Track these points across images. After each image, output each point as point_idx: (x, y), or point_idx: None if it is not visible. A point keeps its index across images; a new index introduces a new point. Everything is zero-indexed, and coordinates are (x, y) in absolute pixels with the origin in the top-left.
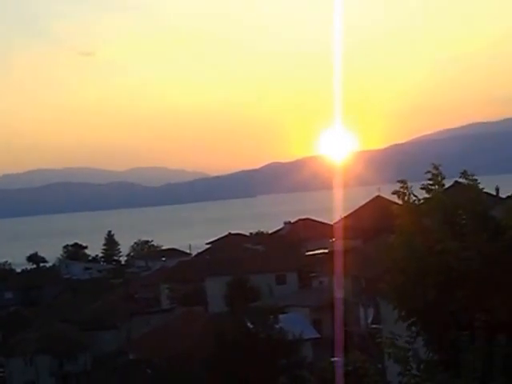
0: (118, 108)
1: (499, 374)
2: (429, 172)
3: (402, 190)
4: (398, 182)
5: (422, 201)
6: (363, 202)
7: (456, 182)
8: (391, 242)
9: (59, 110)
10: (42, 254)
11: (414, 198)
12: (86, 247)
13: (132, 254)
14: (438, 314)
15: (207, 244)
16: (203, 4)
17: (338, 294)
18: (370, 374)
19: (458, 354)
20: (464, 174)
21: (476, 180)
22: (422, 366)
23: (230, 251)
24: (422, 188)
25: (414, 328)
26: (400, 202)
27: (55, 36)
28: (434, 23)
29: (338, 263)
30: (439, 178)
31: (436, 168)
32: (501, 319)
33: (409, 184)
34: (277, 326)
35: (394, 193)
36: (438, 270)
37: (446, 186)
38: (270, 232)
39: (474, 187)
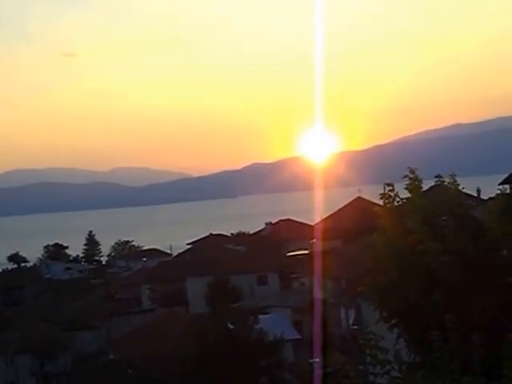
0: (101, 108)
1: (478, 376)
2: (406, 176)
3: (389, 192)
4: (386, 184)
5: (403, 202)
6: (344, 203)
7: (437, 183)
8: (373, 242)
9: (41, 111)
10: (22, 253)
11: (399, 199)
12: (66, 247)
13: (113, 254)
14: (419, 315)
15: (188, 244)
16: (187, 7)
17: (318, 294)
18: (351, 376)
19: (437, 355)
20: (438, 177)
21: (456, 182)
22: (403, 368)
23: (211, 252)
24: (406, 188)
25: (395, 329)
26: (382, 203)
27: (38, 37)
28: (419, 26)
29: (319, 264)
30: (416, 182)
31: (412, 172)
32: (480, 320)
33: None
34: (258, 327)
35: (381, 197)
36: (419, 270)
37: (428, 187)
38: (251, 233)
39: (454, 189)
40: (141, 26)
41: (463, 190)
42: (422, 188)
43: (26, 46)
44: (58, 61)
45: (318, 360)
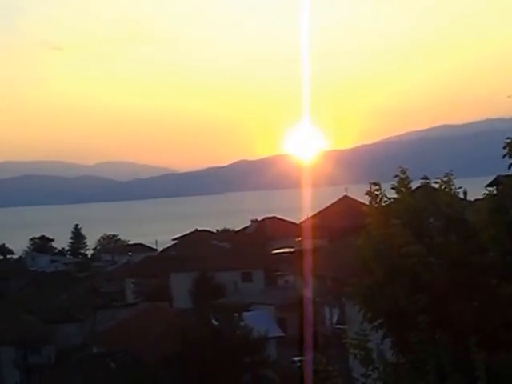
0: (88, 103)
1: (465, 378)
2: (397, 176)
3: (375, 191)
4: (372, 183)
5: (390, 202)
6: (331, 202)
7: (427, 183)
8: (359, 242)
9: (29, 104)
10: (9, 245)
11: (386, 199)
12: (52, 240)
13: (98, 247)
14: (405, 316)
15: (173, 240)
16: (171, 3)
17: (307, 293)
18: (333, 376)
19: (424, 356)
20: (425, 178)
21: (450, 182)
22: (388, 368)
23: (196, 247)
24: (392, 188)
25: (380, 330)
26: (368, 202)
27: (25, 30)
28: (408, 27)
29: (305, 262)
30: (406, 182)
31: (403, 172)
32: (467, 322)
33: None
34: (242, 324)
35: (367, 193)
36: (404, 272)
37: (413, 187)
38: (236, 230)
39: (445, 189)
40: (130, 22)
41: (454, 191)
42: (411, 188)
43: (13, 39)
44: (45, 55)
45: (306, 358)
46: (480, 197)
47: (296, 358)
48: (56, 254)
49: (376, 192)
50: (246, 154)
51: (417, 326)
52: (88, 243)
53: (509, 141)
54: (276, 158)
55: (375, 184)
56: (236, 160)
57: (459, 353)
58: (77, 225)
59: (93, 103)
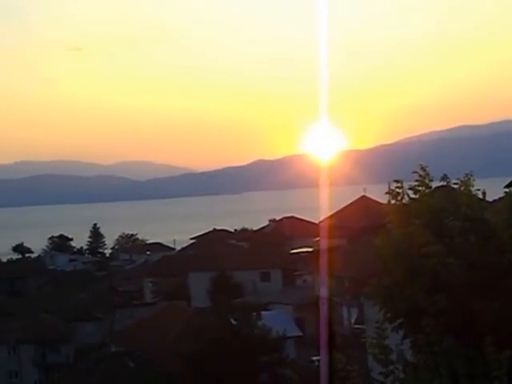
0: (107, 102)
1: (485, 379)
2: (415, 172)
3: (397, 190)
4: (394, 181)
5: (411, 201)
6: (348, 202)
7: (447, 183)
8: (379, 241)
9: (48, 104)
10: (27, 244)
11: (407, 198)
12: (71, 239)
13: (116, 247)
14: (425, 317)
15: (192, 239)
16: (197, 4)
17: (325, 293)
18: (352, 376)
19: (443, 357)
20: (444, 178)
21: (469, 182)
22: (407, 368)
23: (214, 247)
24: (410, 188)
25: (400, 331)
26: (386, 202)
27: (42, 32)
28: (427, 26)
29: (323, 262)
30: (426, 180)
31: (423, 169)
32: (487, 323)
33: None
34: (260, 323)
35: (388, 192)
36: (424, 272)
37: (433, 187)
38: (254, 229)
39: (463, 190)
40: (149, 23)
41: (474, 192)
42: (431, 187)
43: (33, 39)
44: (63, 55)
45: (324, 358)
46: (499, 197)
47: (314, 358)
48: (75, 252)
49: (397, 190)
50: (264, 153)
51: (423, 329)
52: (106, 242)
53: None
54: (294, 158)
55: (397, 181)
56: (254, 160)
57: (475, 354)
58: (95, 224)
59: (112, 103)
